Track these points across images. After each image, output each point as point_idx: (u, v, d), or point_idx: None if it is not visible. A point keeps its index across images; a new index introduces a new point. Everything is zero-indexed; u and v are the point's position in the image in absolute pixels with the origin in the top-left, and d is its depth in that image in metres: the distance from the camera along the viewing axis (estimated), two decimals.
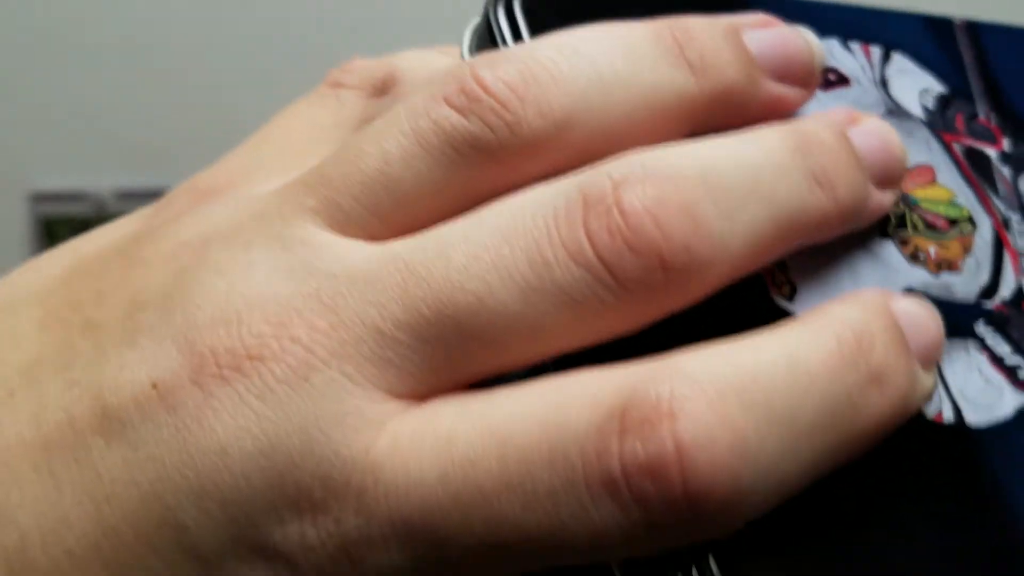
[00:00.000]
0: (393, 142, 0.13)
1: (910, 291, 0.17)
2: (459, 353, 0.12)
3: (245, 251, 0.13)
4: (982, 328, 0.18)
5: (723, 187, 0.13)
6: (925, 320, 0.15)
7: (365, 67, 0.17)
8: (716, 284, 0.13)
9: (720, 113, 0.14)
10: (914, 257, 0.17)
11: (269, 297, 0.12)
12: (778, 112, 0.15)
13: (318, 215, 0.13)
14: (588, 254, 0.12)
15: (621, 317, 0.12)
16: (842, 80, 0.18)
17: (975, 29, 0.23)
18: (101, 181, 0.61)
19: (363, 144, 0.13)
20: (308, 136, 0.17)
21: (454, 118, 0.13)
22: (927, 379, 0.15)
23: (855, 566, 0.15)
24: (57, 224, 0.61)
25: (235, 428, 0.12)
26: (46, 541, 0.13)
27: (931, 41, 0.22)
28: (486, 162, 0.13)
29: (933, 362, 0.15)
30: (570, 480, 0.12)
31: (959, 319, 0.17)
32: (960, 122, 0.21)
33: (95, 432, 0.13)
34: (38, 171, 0.61)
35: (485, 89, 0.13)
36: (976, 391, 0.17)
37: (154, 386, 0.12)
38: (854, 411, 0.13)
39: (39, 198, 0.61)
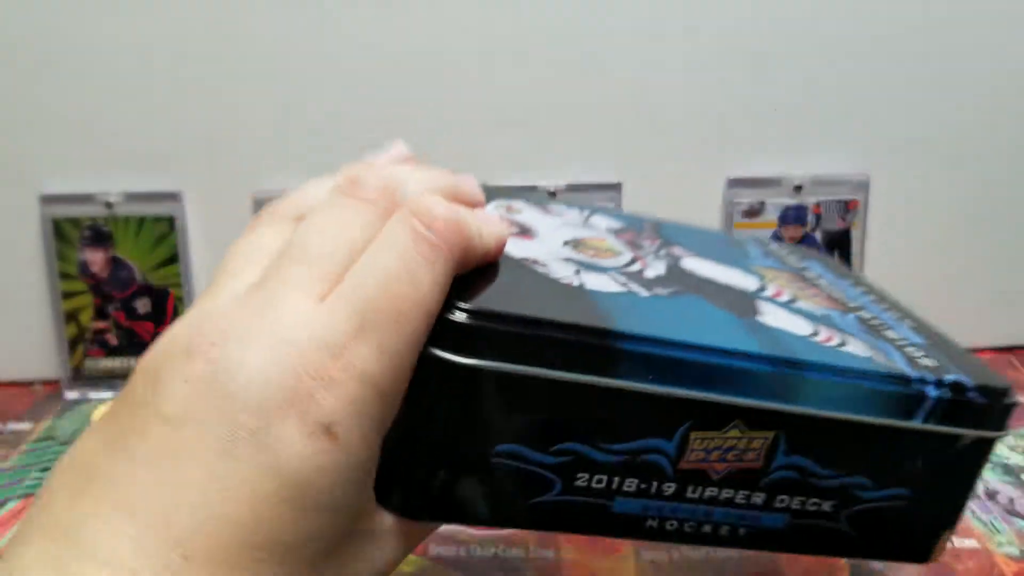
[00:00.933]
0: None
1: (577, 261, 0.32)
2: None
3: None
4: (617, 275, 0.32)
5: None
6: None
7: (287, 206, 0.28)
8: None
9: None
10: (579, 251, 0.33)
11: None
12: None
13: (300, 289, 0.23)
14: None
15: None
16: (526, 232, 0.34)
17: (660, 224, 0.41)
18: (109, 184, 0.62)
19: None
20: (270, 249, 0.25)
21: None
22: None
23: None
24: (66, 224, 0.62)
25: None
26: None
27: (623, 217, 0.40)
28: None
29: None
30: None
31: (607, 272, 0.32)
32: (631, 234, 0.38)
33: None
34: (48, 174, 0.62)
35: (361, 182, 0.27)
36: (607, 286, 0.31)
37: None
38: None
39: (49, 200, 0.62)
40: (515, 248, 0.31)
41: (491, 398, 0.26)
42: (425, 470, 0.26)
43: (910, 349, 0.33)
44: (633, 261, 0.34)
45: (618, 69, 0.61)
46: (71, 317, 0.63)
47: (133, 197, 0.62)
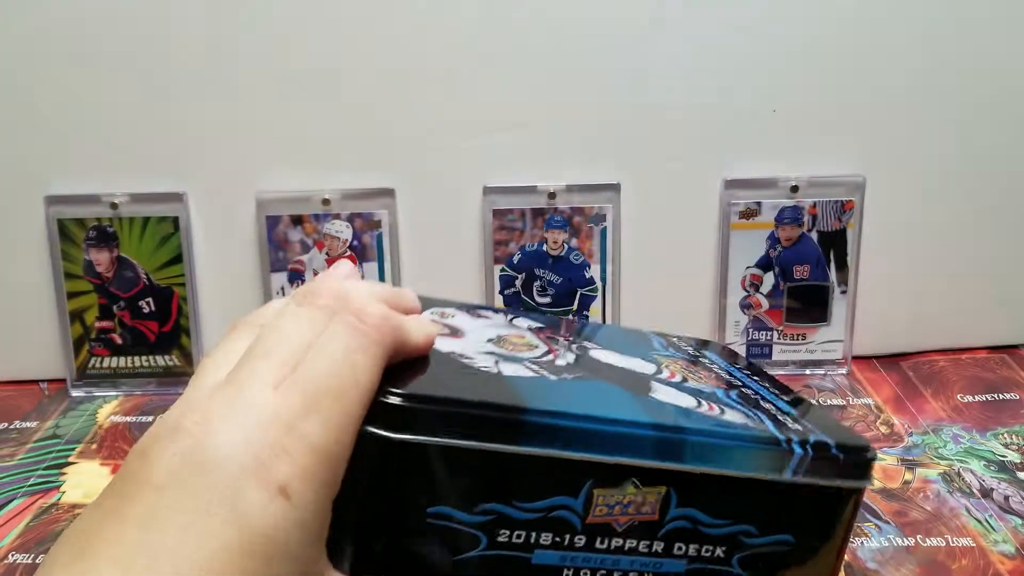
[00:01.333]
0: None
1: (500, 354, 0.38)
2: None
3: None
4: (530, 363, 0.37)
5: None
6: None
7: (254, 317, 0.33)
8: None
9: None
10: (500, 345, 0.38)
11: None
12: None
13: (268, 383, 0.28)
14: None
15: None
16: (455, 333, 0.39)
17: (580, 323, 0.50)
18: (113, 185, 0.62)
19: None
20: (239, 350, 0.31)
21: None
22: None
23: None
24: (71, 225, 0.63)
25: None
26: None
27: (545, 319, 0.45)
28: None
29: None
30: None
31: (522, 362, 0.37)
32: (548, 332, 0.43)
33: None
34: (53, 176, 0.62)
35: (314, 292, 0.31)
36: (524, 372, 0.36)
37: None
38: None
39: (54, 201, 0.62)
40: (444, 345, 0.38)
41: (422, 467, 0.31)
42: (369, 533, 0.31)
43: (782, 417, 0.39)
44: (547, 353, 0.40)
45: (617, 71, 0.61)
46: (76, 317, 0.64)
47: (138, 198, 0.62)
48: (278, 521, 0.26)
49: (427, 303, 0.43)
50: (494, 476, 0.33)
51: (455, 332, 0.40)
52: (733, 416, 0.38)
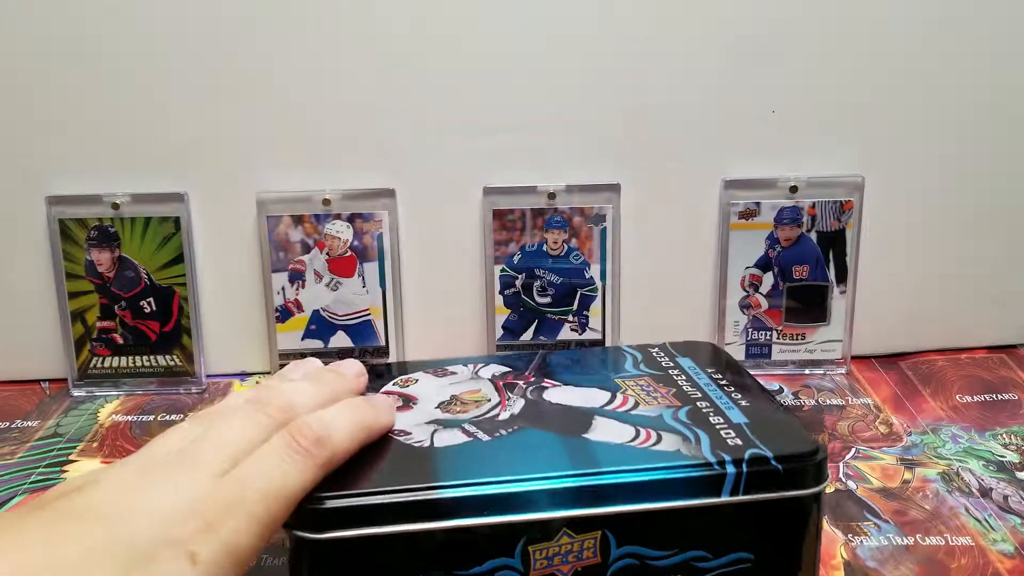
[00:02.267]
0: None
1: (446, 421, 0.42)
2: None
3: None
4: (469, 425, 0.41)
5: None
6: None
7: (210, 412, 0.39)
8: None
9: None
10: (451, 410, 0.43)
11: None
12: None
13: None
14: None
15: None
16: (408, 403, 0.45)
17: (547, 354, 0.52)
18: (115, 185, 0.62)
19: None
20: (192, 435, 0.36)
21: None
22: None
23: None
24: (72, 225, 0.63)
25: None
26: None
27: (516, 360, 0.51)
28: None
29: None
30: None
31: (462, 424, 0.42)
32: (510, 377, 0.47)
33: None
34: (54, 176, 0.62)
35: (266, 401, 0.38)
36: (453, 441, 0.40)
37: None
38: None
39: (55, 201, 0.62)
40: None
41: (357, 556, 0.35)
42: None
43: (725, 433, 0.40)
44: (495, 407, 0.43)
45: (617, 71, 0.62)
46: (77, 316, 0.64)
47: (139, 198, 0.62)
48: None
49: (400, 368, 0.50)
50: (428, 550, 0.35)
51: (407, 403, 0.44)
52: (668, 443, 0.39)
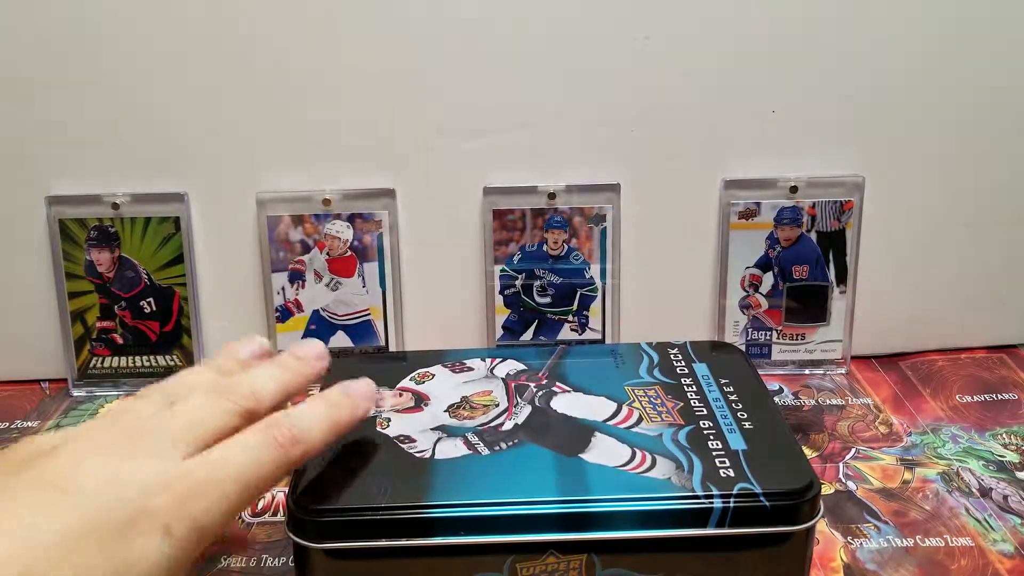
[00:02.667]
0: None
1: (449, 428, 0.43)
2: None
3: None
4: (471, 435, 0.42)
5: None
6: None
7: (166, 388, 0.39)
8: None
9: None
10: (459, 415, 0.45)
11: None
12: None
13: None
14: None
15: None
16: (419, 403, 0.46)
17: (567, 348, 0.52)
18: (115, 185, 0.62)
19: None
20: (145, 413, 0.37)
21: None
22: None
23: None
24: (72, 225, 0.63)
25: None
26: None
27: (534, 355, 0.51)
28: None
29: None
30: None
31: (465, 433, 0.43)
32: (523, 378, 0.48)
33: None
34: (54, 176, 0.62)
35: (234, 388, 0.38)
36: (454, 453, 0.41)
37: None
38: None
39: (55, 201, 0.62)
40: (396, 426, 0.43)
41: (350, 564, 0.37)
42: None
43: (720, 460, 0.40)
44: (501, 414, 0.44)
45: (617, 71, 0.62)
46: (77, 317, 0.64)
47: (139, 198, 0.62)
48: (151, 554, 0.31)
49: (419, 359, 0.50)
50: (419, 563, 0.37)
51: (418, 404, 0.45)
52: (661, 469, 0.39)
